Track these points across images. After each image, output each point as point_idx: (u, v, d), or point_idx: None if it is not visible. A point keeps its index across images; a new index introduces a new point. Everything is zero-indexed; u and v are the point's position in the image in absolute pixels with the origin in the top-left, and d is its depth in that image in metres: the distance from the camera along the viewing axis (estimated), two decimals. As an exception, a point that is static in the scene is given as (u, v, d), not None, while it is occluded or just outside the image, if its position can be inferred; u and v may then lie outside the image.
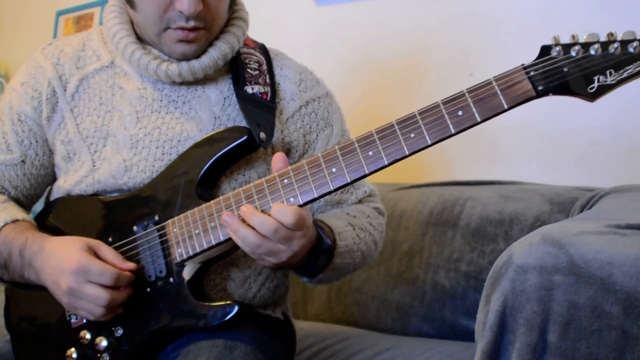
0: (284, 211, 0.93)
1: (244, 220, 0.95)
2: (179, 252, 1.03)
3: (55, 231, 1.12)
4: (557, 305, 0.78)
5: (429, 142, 0.90)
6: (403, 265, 1.56)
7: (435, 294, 1.49)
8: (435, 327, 1.49)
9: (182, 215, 1.04)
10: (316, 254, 1.04)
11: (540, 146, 1.75)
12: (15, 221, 1.12)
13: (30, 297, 1.14)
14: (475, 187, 1.62)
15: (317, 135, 1.21)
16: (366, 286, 1.60)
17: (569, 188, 1.49)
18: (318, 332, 1.44)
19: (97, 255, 1.02)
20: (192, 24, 1.05)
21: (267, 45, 1.26)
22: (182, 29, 1.06)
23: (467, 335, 1.41)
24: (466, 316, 1.44)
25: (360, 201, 1.24)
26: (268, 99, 1.15)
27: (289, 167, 0.97)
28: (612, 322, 0.76)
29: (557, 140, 1.73)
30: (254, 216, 0.94)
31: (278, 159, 0.98)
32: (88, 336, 1.07)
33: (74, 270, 0.98)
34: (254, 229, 0.94)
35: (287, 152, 1.19)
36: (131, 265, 1.03)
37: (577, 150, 1.70)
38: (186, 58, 1.11)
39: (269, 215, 0.94)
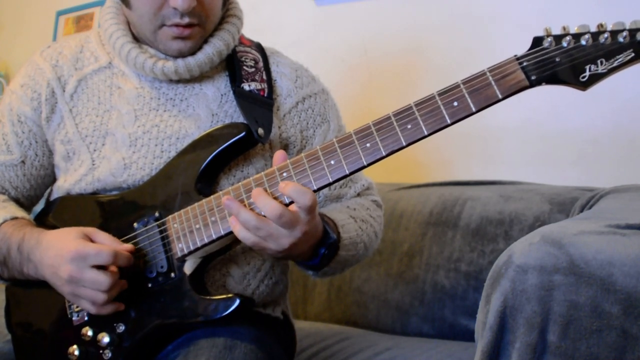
0: (302, 191, 0.92)
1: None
2: (179, 247, 1.04)
3: (55, 230, 1.12)
4: (557, 305, 0.78)
5: (426, 133, 0.90)
6: (403, 265, 1.56)
7: (435, 294, 1.49)
8: (435, 327, 1.49)
9: (182, 211, 1.04)
10: (322, 247, 1.04)
11: (540, 146, 1.75)
12: (14, 218, 1.12)
13: (31, 296, 1.14)
14: (475, 187, 1.62)
15: (314, 131, 1.22)
16: (366, 286, 1.60)
17: (569, 188, 1.49)
18: (318, 332, 1.44)
19: (93, 242, 1.03)
20: (186, 20, 1.07)
21: (265, 44, 1.27)
22: (176, 25, 1.07)
23: (467, 335, 1.41)
24: (466, 316, 1.44)
25: (358, 195, 1.25)
26: (265, 95, 1.16)
27: (288, 161, 0.97)
28: (612, 322, 0.76)
29: (557, 140, 1.73)
30: (260, 198, 0.93)
31: (279, 157, 0.98)
32: (90, 333, 1.07)
33: (72, 257, 0.99)
34: (253, 211, 0.94)
35: (285, 148, 1.20)
36: (128, 246, 1.04)
37: (577, 150, 1.70)
38: (182, 55, 1.12)
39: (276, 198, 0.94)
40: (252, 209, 0.96)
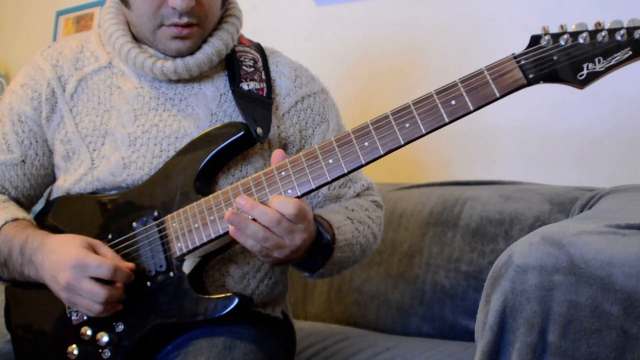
0: (285, 203, 0.93)
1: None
2: (178, 247, 1.04)
3: (55, 230, 1.12)
4: (557, 305, 0.78)
5: (424, 132, 0.90)
6: (403, 265, 1.56)
7: (435, 294, 1.49)
8: (435, 327, 1.49)
9: (181, 210, 1.05)
10: (316, 249, 1.04)
11: (540, 146, 1.75)
12: (15, 220, 1.12)
13: (31, 296, 1.14)
14: (475, 187, 1.62)
15: (314, 131, 1.22)
16: (366, 286, 1.60)
17: (569, 188, 1.49)
18: (318, 332, 1.44)
19: (96, 253, 1.03)
20: (185, 20, 1.07)
21: (264, 44, 1.27)
22: (175, 25, 1.08)
23: (467, 335, 1.41)
24: (466, 316, 1.44)
25: (358, 195, 1.25)
26: (264, 95, 1.16)
27: (286, 160, 0.97)
28: (612, 322, 0.76)
29: (557, 140, 1.73)
30: (256, 208, 0.94)
31: (277, 156, 0.98)
32: (89, 332, 1.07)
33: (73, 265, 0.99)
34: (259, 222, 0.94)
35: (284, 148, 1.20)
36: (130, 264, 1.04)
37: (577, 150, 1.70)
38: (181, 55, 1.13)
39: (270, 207, 0.94)
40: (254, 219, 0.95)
